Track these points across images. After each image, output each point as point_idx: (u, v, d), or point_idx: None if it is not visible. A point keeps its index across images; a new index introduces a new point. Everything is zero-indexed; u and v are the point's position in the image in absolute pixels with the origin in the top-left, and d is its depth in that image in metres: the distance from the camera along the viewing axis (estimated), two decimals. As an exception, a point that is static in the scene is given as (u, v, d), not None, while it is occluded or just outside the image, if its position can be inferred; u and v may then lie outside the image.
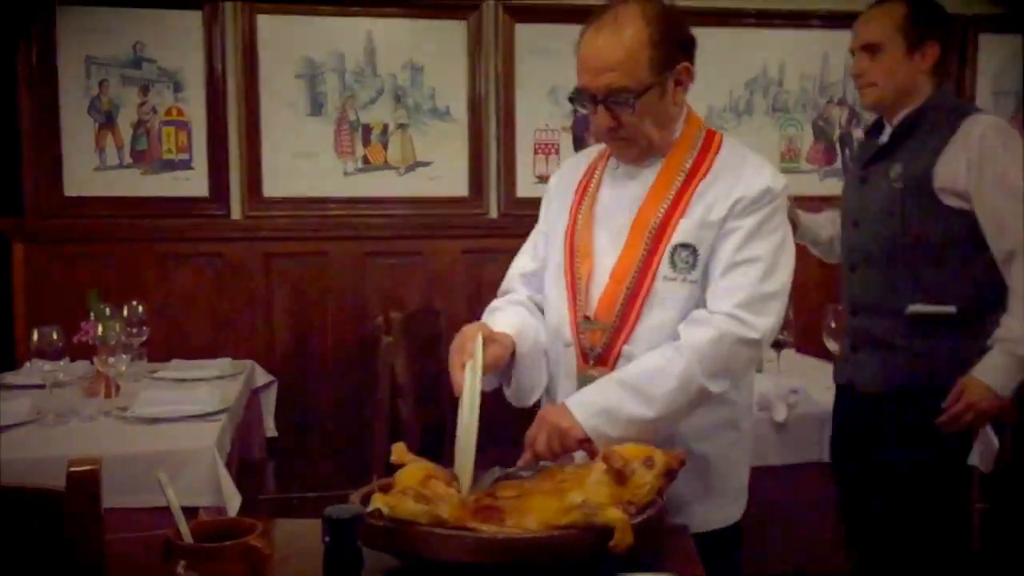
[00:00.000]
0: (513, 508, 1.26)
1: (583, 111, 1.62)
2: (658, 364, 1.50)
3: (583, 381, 1.60)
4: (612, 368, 1.58)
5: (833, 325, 2.61)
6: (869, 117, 4.02)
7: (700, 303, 1.58)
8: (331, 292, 3.77)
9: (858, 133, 4.09)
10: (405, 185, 3.81)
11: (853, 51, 2.27)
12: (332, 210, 3.76)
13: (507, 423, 1.71)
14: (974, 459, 2.46)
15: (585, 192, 1.71)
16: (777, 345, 2.77)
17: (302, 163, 3.73)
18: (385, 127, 3.79)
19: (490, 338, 1.57)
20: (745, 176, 1.59)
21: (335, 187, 3.76)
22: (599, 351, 1.61)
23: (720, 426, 1.64)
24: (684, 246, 1.57)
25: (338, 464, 3.69)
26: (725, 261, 1.55)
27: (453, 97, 3.82)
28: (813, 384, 2.61)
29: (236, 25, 3.63)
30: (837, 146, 4.10)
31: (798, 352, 3.17)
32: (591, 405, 1.49)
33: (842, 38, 4.02)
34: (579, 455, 1.52)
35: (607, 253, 1.63)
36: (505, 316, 1.71)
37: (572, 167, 1.81)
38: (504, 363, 1.62)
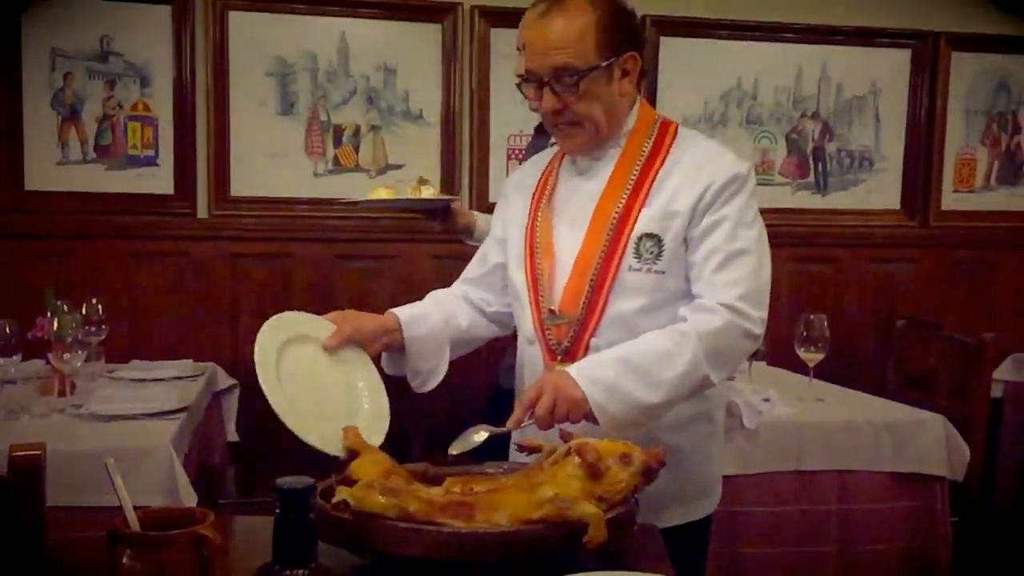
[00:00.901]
0: (483, 503, 1.21)
1: (529, 99, 1.60)
2: (667, 347, 1.46)
3: None
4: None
5: (805, 334, 2.60)
6: (845, 132, 4.10)
7: (667, 294, 1.55)
8: (298, 294, 3.70)
9: (831, 147, 4.11)
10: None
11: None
12: (301, 211, 3.70)
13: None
14: (944, 469, 2.46)
15: (543, 190, 1.70)
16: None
17: (271, 163, 3.67)
18: (357, 129, 3.74)
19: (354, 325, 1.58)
20: (708, 163, 1.57)
21: (304, 188, 3.70)
22: (566, 345, 1.58)
23: (697, 418, 1.62)
24: (649, 236, 1.55)
25: (301, 470, 3.60)
26: (720, 252, 1.52)
27: (426, 100, 3.78)
28: (785, 394, 2.60)
29: (207, 20, 3.57)
30: (810, 159, 4.11)
31: (768, 364, 3.16)
32: (599, 380, 1.43)
33: (816, 52, 4.09)
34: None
35: (568, 246, 1.60)
36: (417, 305, 1.73)
37: (530, 169, 1.80)
38: (388, 347, 1.64)
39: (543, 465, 1.32)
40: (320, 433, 1.41)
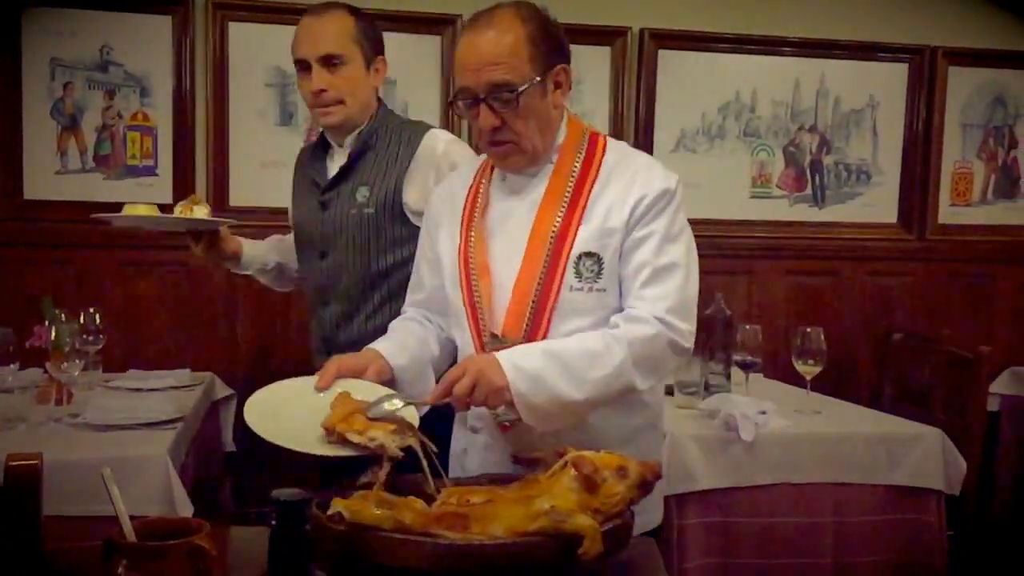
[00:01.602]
0: (479, 514, 1.21)
1: (464, 116, 1.60)
2: (596, 348, 1.49)
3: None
4: None
5: (802, 347, 2.61)
6: (842, 145, 4.12)
7: (609, 311, 1.57)
8: (296, 305, 3.70)
9: (828, 160, 4.13)
10: (374, 198, 3.76)
11: (304, 62, 2.14)
12: (299, 221, 3.70)
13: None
14: (940, 483, 2.46)
15: (473, 209, 1.68)
16: (745, 366, 2.75)
17: (270, 173, 3.67)
18: (356, 139, 3.74)
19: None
20: (639, 178, 1.59)
21: (303, 198, 3.70)
22: None
23: (643, 428, 1.65)
24: (588, 255, 1.56)
25: (299, 481, 3.60)
26: (648, 267, 1.55)
27: (426, 112, 3.78)
28: (782, 406, 2.60)
29: (206, 31, 3.58)
30: (807, 172, 4.12)
31: (765, 376, 3.17)
32: (523, 370, 1.45)
33: (814, 66, 4.11)
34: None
35: (506, 268, 1.60)
36: (389, 337, 1.72)
37: (453, 184, 1.78)
38: (379, 377, 1.61)
39: (540, 477, 1.32)
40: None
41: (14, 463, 1.11)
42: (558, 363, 1.46)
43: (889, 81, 4.13)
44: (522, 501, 1.23)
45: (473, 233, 1.64)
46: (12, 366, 2.33)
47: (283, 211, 3.67)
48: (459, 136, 3.77)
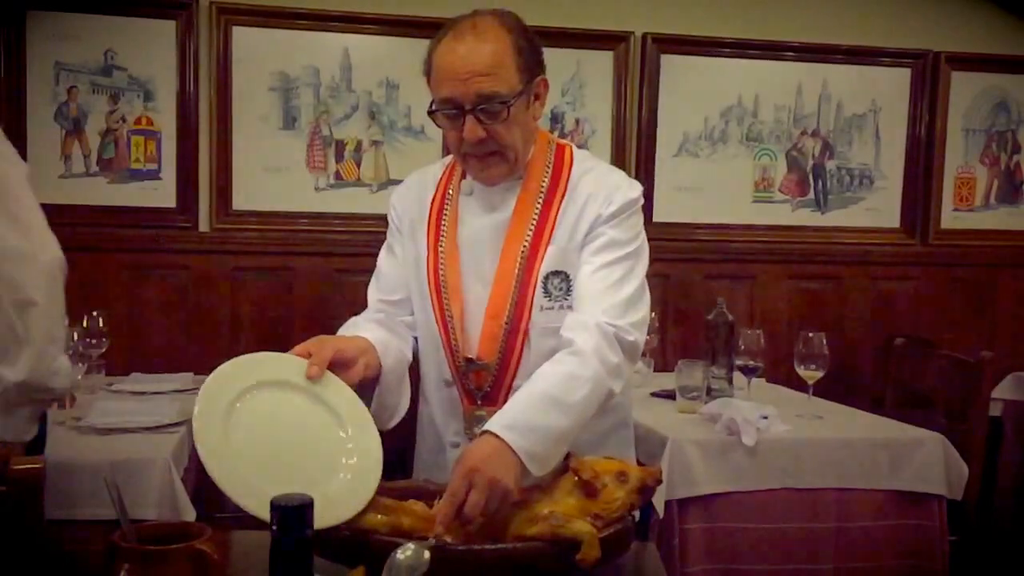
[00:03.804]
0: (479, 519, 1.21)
1: (443, 126, 1.55)
2: (568, 371, 1.43)
3: (472, 421, 1.56)
4: (501, 406, 1.48)
5: (805, 351, 2.61)
6: (845, 150, 4.12)
7: None
8: (299, 308, 3.71)
9: (831, 164, 4.13)
10: (377, 202, 3.77)
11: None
12: (302, 225, 3.71)
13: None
14: (942, 488, 2.46)
15: (440, 220, 1.64)
16: (748, 371, 2.76)
17: (273, 177, 3.68)
18: (359, 143, 3.76)
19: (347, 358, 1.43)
20: (602, 194, 1.58)
21: (306, 202, 3.71)
22: (486, 390, 1.56)
23: (616, 427, 1.65)
24: (556, 273, 1.55)
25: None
26: (600, 271, 1.53)
27: (428, 117, 3.79)
28: (784, 411, 2.60)
29: (210, 36, 3.59)
30: (810, 177, 4.13)
31: (768, 381, 3.17)
32: (523, 426, 1.34)
33: (817, 70, 4.11)
34: None
35: (477, 288, 1.58)
36: (364, 330, 1.59)
37: (413, 193, 1.74)
38: (367, 369, 1.47)
39: (540, 483, 1.33)
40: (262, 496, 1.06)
41: (17, 467, 1.11)
42: (544, 401, 1.39)
43: (892, 86, 4.14)
44: (522, 506, 1.23)
45: (443, 250, 1.61)
46: (15, 369, 2.33)
47: (285, 215, 3.69)
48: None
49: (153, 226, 3.60)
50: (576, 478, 1.24)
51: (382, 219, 3.69)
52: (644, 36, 3.86)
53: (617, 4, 3.85)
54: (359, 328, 1.61)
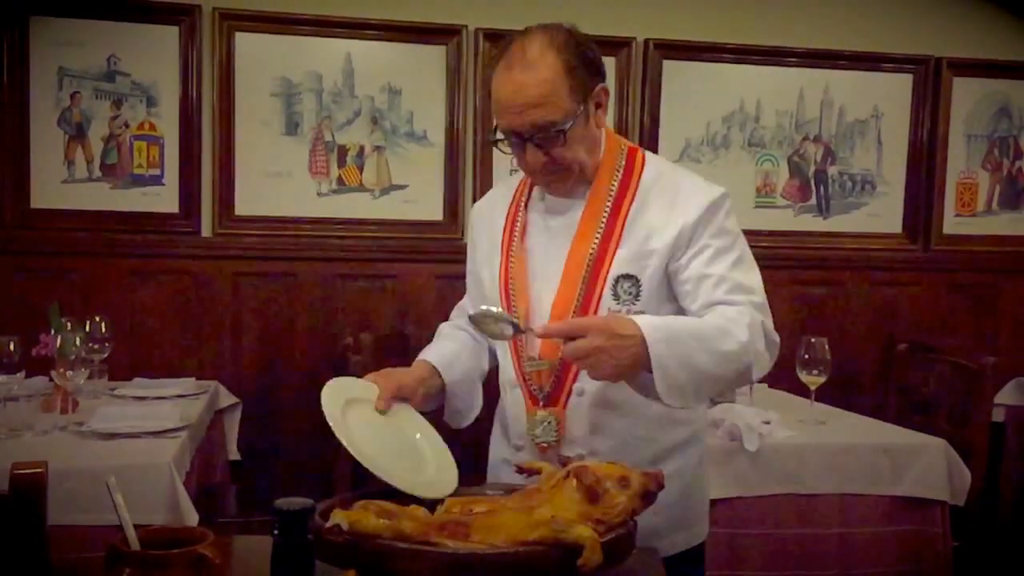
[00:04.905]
0: (480, 524, 1.21)
1: (507, 152, 1.56)
2: (724, 325, 1.44)
3: (534, 424, 1.56)
4: (564, 408, 1.54)
5: (807, 357, 2.61)
6: (847, 155, 4.12)
7: None
8: (301, 313, 3.71)
9: (833, 170, 4.13)
10: (379, 208, 3.78)
11: None
12: (304, 230, 3.71)
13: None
14: (945, 493, 2.46)
15: (514, 228, 1.67)
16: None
17: (275, 182, 3.69)
18: (361, 149, 3.76)
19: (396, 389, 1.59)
20: (679, 199, 1.56)
21: (308, 208, 3.72)
22: (548, 391, 1.57)
23: (689, 441, 1.63)
24: (626, 277, 1.54)
25: (302, 489, 3.60)
26: (712, 277, 1.52)
27: (431, 121, 3.80)
28: (786, 417, 2.60)
29: (213, 41, 3.60)
30: (812, 182, 4.13)
31: (770, 386, 3.16)
32: (659, 328, 1.38)
33: (819, 76, 4.11)
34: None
35: (544, 290, 1.59)
36: (439, 345, 1.75)
37: (493, 201, 1.77)
38: (427, 396, 1.64)
39: (542, 487, 1.33)
40: (412, 481, 1.43)
41: (19, 471, 1.11)
42: (689, 331, 1.42)
43: (894, 91, 4.14)
44: (523, 510, 1.23)
45: (513, 255, 1.63)
46: (18, 374, 2.34)
47: (287, 220, 3.70)
48: (470, 161, 3.78)
49: (156, 231, 3.60)
50: (577, 483, 1.24)
51: (384, 224, 3.77)
52: (646, 42, 3.87)
53: (619, 10, 3.85)
54: (441, 336, 1.79)
